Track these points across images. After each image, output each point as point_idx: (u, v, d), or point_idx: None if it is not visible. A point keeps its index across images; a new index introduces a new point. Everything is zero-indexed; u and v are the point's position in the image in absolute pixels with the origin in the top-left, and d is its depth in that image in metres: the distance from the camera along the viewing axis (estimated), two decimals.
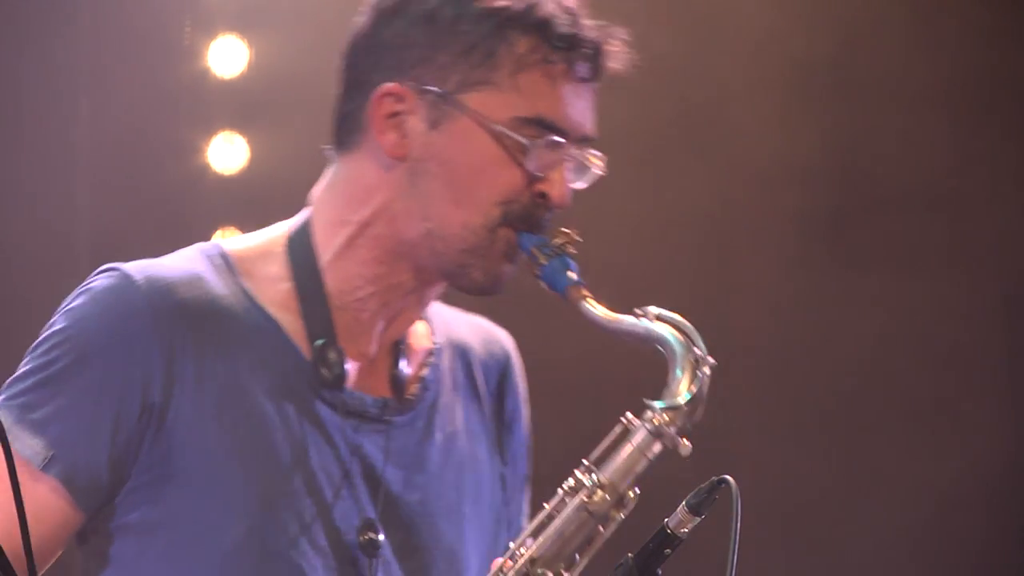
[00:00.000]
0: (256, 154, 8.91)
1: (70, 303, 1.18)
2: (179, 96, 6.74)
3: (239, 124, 8.58)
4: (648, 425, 1.14)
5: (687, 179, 4.39)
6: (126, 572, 1.18)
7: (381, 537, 1.20)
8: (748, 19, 4.39)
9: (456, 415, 1.32)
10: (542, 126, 1.21)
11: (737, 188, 4.43)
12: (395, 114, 1.22)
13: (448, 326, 1.35)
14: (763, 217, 4.67)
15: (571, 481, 1.17)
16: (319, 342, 1.21)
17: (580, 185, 1.29)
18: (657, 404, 1.15)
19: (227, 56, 8.35)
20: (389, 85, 1.22)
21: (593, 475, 1.16)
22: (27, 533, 0.83)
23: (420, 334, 1.33)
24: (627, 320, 1.17)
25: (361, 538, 1.20)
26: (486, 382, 1.37)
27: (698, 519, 1.10)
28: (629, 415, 1.16)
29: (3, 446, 0.81)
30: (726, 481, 1.09)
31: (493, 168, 1.22)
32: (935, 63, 4.41)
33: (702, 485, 1.10)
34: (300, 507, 1.19)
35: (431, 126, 1.22)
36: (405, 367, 1.28)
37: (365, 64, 1.25)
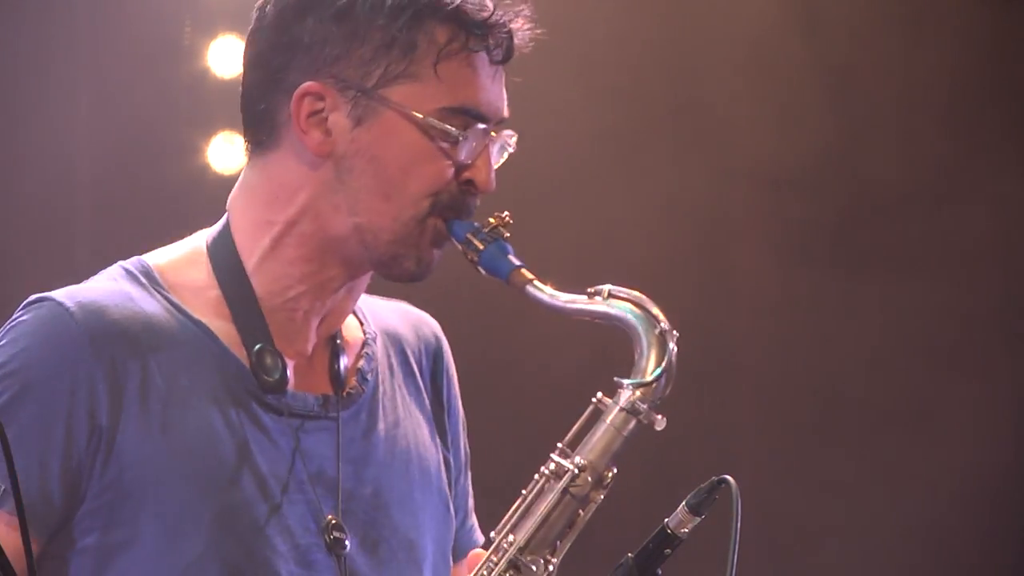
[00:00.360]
0: None
1: (2, 339, 1.17)
2: (179, 96, 6.74)
3: (239, 124, 8.49)
4: (622, 403, 1.13)
5: (681, 177, 4.38)
6: None
7: (346, 532, 1.20)
8: (747, 19, 4.39)
9: (396, 403, 1.31)
10: (467, 114, 1.21)
11: (733, 188, 4.43)
12: (316, 112, 1.21)
13: (376, 315, 1.35)
14: (761, 218, 4.66)
15: (551, 465, 1.16)
16: (256, 347, 1.20)
17: (497, 165, 1.29)
18: (627, 382, 1.14)
19: (227, 56, 8.38)
20: (308, 84, 1.20)
21: (572, 458, 1.15)
22: (26, 530, 0.83)
23: (351, 326, 1.32)
24: (580, 300, 1.16)
25: (327, 538, 1.19)
26: (420, 367, 1.37)
27: (698, 519, 1.10)
28: (600, 395, 1.15)
29: (3, 446, 0.81)
30: (726, 481, 1.08)
31: (421, 161, 1.21)
32: (932, 63, 4.41)
33: (702, 485, 1.09)
34: (256, 515, 1.18)
35: (356, 123, 1.21)
36: (344, 361, 1.27)
37: (277, 63, 1.23)
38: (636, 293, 1.16)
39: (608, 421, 1.14)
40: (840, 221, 4.50)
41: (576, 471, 1.14)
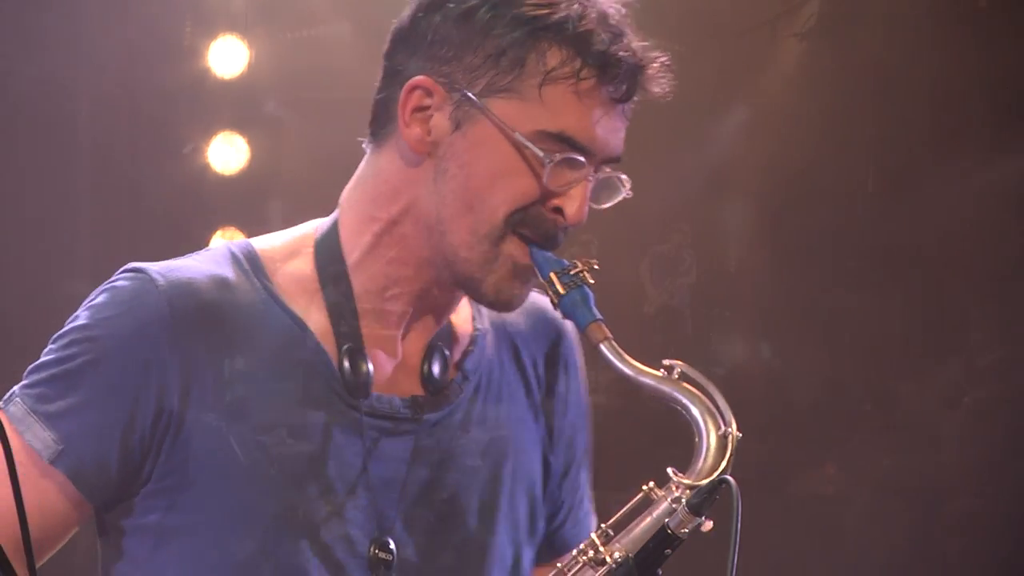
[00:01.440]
0: (256, 154, 8.92)
1: (93, 299, 1.16)
2: (179, 96, 6.75)
3: (239, 124, 8.59)
4: (671, 502, 1.09)
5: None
6: (140, 571, 1.17)
7: (392, 551, 1.19)
8: None
9: (500, 403, 1.27)
10: (564, 142, 1.16)
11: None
12: (423, 108, 1.19)
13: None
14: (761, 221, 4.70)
15: (590, 552, 1.13)
16: (345, 346, 1.18)
17: (604, 205, 1.26)
18: (678, 480, 1.09)
19: (227, 56, 8.38)
20: (420, 78, 1.17)
21: (612, 548, 1.11)
22: (26, 528, 0.82)
23: (462, 318, 1.28)
24: (651, 374, 1.12)
25: (371, 554, 1.17)
26: (533, 360, 1.33)
27: (698, 519, 1.08)
28: (652, 485, 1.11)
29: (3, 445, 0.81)
30: (726, 481, 1.07)
31: (508, 175, 1.18)
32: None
33: (702, 485, 1.08)
34: (316, 520, 1.16)
35: (455, 126, 1.18)
36: (436, 364, 1.25)
37: (402, 55, 1.21)
38: (706, 381, 1.11)
39: (654, 515, 1.10)
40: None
41: (614, 566, 1.11)
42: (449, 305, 1.24)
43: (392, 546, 1.17)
